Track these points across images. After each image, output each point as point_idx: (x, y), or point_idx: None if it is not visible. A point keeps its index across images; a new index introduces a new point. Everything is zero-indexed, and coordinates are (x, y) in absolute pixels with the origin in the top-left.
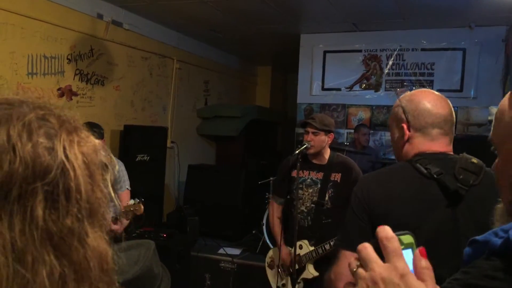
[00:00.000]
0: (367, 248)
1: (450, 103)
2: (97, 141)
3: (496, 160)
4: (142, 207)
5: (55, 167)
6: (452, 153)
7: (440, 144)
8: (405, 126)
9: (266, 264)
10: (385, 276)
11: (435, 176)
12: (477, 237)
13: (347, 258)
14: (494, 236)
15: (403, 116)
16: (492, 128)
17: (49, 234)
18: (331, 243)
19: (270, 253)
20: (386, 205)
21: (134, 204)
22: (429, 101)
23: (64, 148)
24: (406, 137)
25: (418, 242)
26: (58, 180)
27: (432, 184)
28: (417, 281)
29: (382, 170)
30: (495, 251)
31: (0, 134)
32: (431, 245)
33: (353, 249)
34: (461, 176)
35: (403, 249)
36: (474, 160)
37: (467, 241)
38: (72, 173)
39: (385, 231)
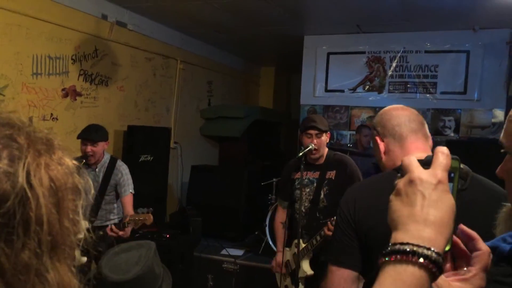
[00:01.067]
0: (410, 157)
1: (414, 110)
2: (71, 163)
3: (502, 163)
4: (152, 217)
5: (13, 196)
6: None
7: (416, 144)
8: (378, 139)
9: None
10: (423, 176)
11: None
12: (485, 243)
13: (334, 274)
14: (502, 242)
15: (374, 132)
16: (503, 130)
17: (1, 270)
18: (318, 238)
19: None
20: (372, 217)
21: (143, 213)
22: (392, 109)
23: (28, 173)
24: (382, 149)
25: None
26: (16, 210)
27: None
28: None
29: (367, 180)
30: (504, 257)
31: None
32: None
33: (340, 265)
34: None
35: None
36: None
37: None
38: (33, 202)
39: (444, 147)
